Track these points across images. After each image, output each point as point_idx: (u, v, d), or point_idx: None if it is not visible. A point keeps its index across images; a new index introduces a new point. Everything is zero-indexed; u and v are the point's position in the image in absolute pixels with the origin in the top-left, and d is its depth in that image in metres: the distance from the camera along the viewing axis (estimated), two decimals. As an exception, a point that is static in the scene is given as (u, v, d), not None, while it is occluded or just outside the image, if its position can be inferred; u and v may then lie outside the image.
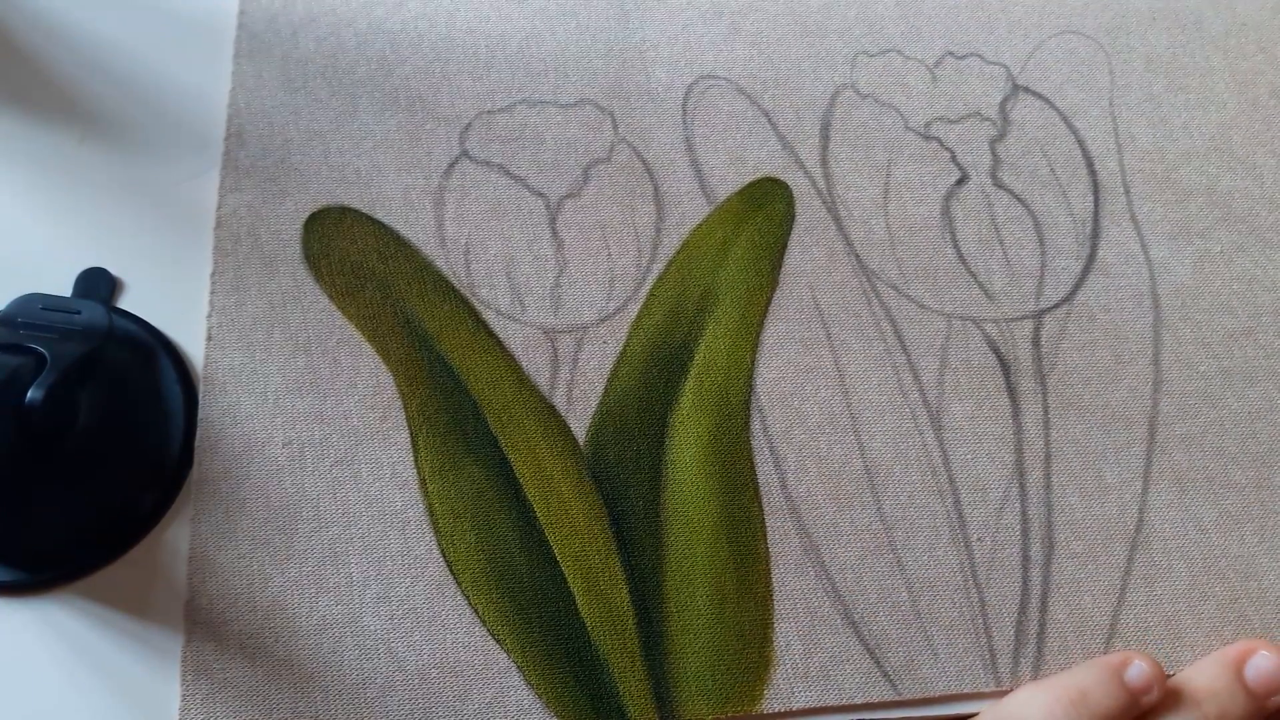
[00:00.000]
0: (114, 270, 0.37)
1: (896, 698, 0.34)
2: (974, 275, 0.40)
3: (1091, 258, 0.41)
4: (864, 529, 0.35)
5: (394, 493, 0.34)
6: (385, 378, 0.36)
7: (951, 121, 0.43)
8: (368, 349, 0.36)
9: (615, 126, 0.41)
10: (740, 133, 0.41)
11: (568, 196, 0.40)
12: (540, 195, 0.39)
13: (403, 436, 0.35)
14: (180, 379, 0.35)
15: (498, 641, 0.33)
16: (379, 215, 0.38)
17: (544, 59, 0.42)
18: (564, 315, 0.38)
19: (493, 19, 0.43)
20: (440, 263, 0.38)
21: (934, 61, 0.44)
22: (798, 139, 0.42)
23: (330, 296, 0.37)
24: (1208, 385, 0.39)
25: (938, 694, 0.34)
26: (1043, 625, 0.35)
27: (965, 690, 0.34)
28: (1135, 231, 0.42)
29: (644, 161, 0.41)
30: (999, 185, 0.42)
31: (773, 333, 0.38)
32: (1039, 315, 0.40)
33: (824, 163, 0.41)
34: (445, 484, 0.35)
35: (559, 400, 0.36)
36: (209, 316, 0.36)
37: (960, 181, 0.42)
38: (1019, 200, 0.41)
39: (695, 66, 0.43)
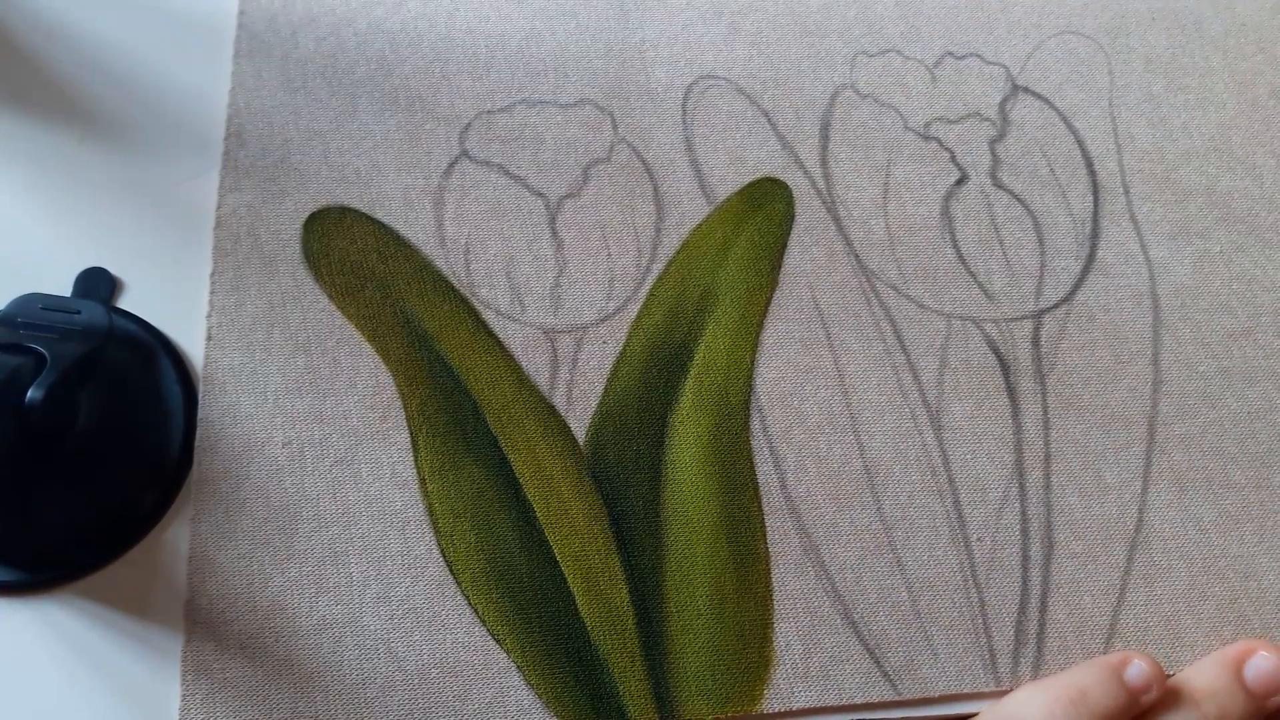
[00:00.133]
0: (114, 270, 0.37)
1: (896, 698, 0.34)
2: (973, 275, 0.40)
3: (1091, 258, 0.41)
4: (864, 529, 0.36)
5: (394, 493, 0.34)
6: (385, 378, 0.36)
7: (951, 122, 0.43)
8: (367, 349, 0.36)
9: (615, 126, 0.41)
10: (740, 133, 0.41)
11: (567, 196, 0.40)
12: (540, 195, 0.39)
13: (403, 436, 0.35)
14: (180, 379, 0.35)
15: (498, 641, 0.33)
16: (379, 215, 0.38)
17: (544, 59, 0.42)
18: (564, 315, 0.38)
19: (492, 19, 0.43)
20: (440, 263, 0.38)
21: (933, 62, 0.44)
22: (797, 139, 0.42)
23: (330, 296, 0.37)
24: (1207, 385, 0.39)
25: (937, 694, 0.34)
26: (1042, 625, 0.35)
27: (965, 690, 0.34)
28: (1135, 231, 0.42)
29: (644, 161, 0.41)
30: (998, 185, 0.42)
31: (772, 333, 0.38)
32: (1038, 315, 0.40)
33: (824, 163, 0.41)
34: (445, 484, 0.35)
35: (559, 400, 0.36)
36: (209, 316, 0.36)
37: (960, 182, 0.42)
38: (1018, 200, 0.42)
39: (695, 66, 0.43)
